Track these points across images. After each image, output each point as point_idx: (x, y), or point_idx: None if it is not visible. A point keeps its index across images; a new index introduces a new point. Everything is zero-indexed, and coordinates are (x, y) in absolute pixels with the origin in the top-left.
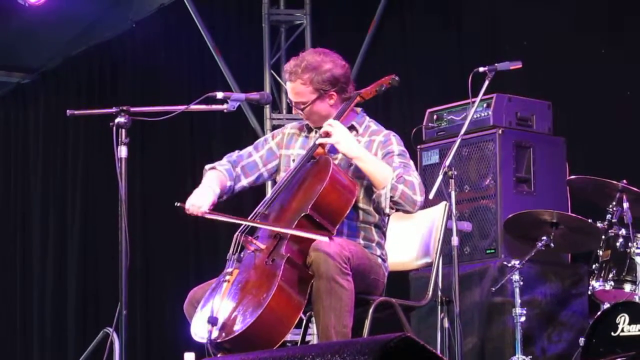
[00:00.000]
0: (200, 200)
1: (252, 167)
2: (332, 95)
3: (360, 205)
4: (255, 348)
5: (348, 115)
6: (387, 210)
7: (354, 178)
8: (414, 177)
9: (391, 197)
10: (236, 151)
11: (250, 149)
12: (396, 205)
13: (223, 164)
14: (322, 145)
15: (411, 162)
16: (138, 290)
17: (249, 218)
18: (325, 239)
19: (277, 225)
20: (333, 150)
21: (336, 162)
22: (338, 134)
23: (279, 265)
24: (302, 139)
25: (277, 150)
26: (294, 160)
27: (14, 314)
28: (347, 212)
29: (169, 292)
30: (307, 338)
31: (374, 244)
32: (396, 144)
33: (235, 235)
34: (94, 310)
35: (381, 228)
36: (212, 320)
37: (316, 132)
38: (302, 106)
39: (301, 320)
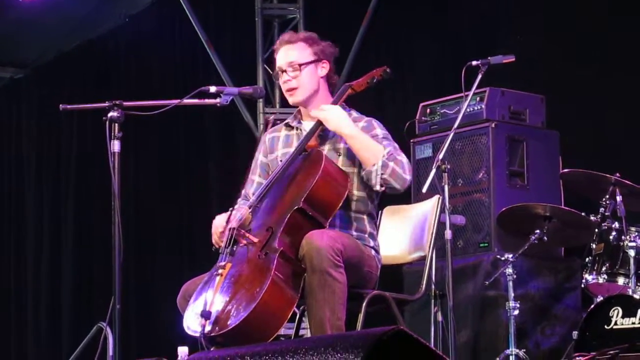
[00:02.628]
0: (218, 223)
1: None
2: (324, 67)
3: (355, 192)
4: (249, 342)
5: None
6: (377, 187)
7: (347, 165)
8: (403, 157)
9: (382, 174)
10: (242, 189)
11: (250, 175)
12: (386, 184)
13: (239, 203)
14: (313, 142)
15: (396, 145)
16: (131, 285)
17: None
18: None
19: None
20: (323, 139)
21: (325, 152)
22: (328, 111)
23: (272, 259)
24: (284, 137)
25: (266, 159)
26: (281, 161)
27: (8, 309)
28: (340, 204)
29: (162, 286)
30: (301, 332)
31: (366, 235)
32: (379, 128)
33: (228, 229)
34: (88, 305)
35: (374, 217)
36: (205, 314)
37: (297, 128)
38: (298, 66)
39: (294, 314)
